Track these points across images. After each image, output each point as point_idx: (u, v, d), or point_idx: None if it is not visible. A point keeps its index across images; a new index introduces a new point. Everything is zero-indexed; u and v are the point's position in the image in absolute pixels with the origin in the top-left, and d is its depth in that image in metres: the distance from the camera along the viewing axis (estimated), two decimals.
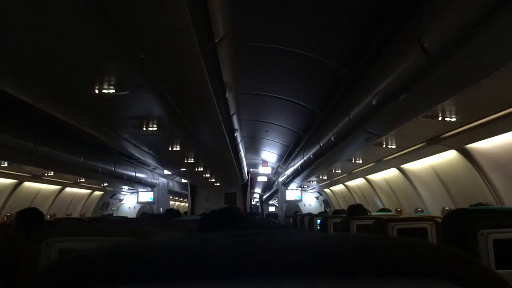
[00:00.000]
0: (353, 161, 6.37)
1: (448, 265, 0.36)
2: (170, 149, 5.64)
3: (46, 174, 7.58)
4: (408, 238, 0.40)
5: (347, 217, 3.96)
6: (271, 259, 0.35)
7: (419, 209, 6.15)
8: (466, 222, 1.71)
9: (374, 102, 3.22)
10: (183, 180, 13.61)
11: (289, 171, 10.02)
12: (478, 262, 0.37)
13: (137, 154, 6.47)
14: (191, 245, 0.36)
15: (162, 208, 12.30)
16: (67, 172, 7.38)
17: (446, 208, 5.10)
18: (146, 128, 4.22)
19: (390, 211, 5.77)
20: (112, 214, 11.89)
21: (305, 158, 7.05)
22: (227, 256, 0.34)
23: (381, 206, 7.78)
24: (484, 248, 1.60)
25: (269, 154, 11.47)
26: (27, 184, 7.78)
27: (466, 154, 4.31)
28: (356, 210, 4.16)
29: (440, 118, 3.28)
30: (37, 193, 8.39)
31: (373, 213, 5.85)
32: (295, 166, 8.47)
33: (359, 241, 0.38)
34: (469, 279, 0.35)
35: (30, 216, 3.10)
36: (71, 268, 0.36)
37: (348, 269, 0.35)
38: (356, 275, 0.35)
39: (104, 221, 5.38)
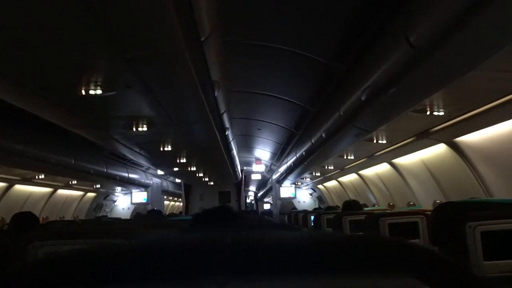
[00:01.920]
0: (345, 157, 6.40)
1: (417, 262, 0.36)
2: (161, 149, 5.61)
3: (36, 177, 7.51)
4: (379, 236, 0.40)
5: (340, 212, 3.98)
6: (245, 259, 0.35)
7: (411, 203, 6.20)
8: (454, 215, 1.73)
9: (363, 98, 3.23)
10: (177, 180, 13.58)
11: (282, 169, 10.04)
12: (450, 260, 0.37)
13: (129, 154, 6.44)
14: (175, 245, 0.36)
15: (157, 208, 12.26)
16: (58, 174, 7.31)
17: (437, 201, 5.15)
18: (136, 128, 4.19)
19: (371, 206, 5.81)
20: (106, 216, 11.82)
21: (297, 155, 7.07)
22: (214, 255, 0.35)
23: (374, 201, 7.84)
24: (472, 240, 1.62)
25: (262, 152, 11.48)
26: (17, 187, 7.70)
27: (455, 147, 4.35)
28: (351, 205, 4.19)
29: (428, 113, 3.30)
30: (28, 196, 8.31)
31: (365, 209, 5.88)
32: (288, 163, 8.49)
33: (331, 240, 0.38)
34: (439, 277, 0.36)
35: (24, 220, 3.08)
36: (48, 268, 0.36)
37: (320, 267, 0.35)
38: (329, 272, 0.35)
39: (97, 222, 5.35)
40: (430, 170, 5.26)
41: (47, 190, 9.05)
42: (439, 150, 4.70)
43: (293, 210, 9.58)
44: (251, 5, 3.54)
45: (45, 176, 7.47)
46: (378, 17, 3.00)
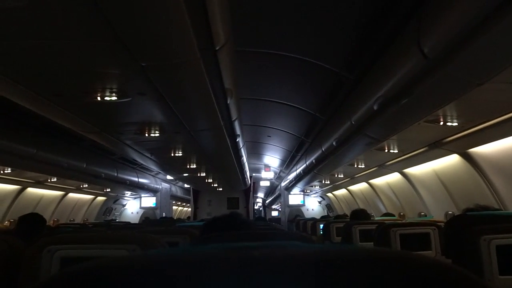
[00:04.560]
0: (356, 166, 6.36)
1: (440, 279, 0.36)
2: (172, 154, 5.65)
3: (49, 180, 7.62)
4: (397, 251, 0.40)
5: (349, 222, 3.95)
6: (266, 274, 0.35)
7: (422, 213, 6.12)
8: (468, 228, 1.70)
9: (375, 107, 3.22)
10: (185, 185, 13.62)
11: (291, 176, 10.00)
12: (469, 276, 0.37)
13: (139, 159, 6.49)
14: (191, 263, 0.37)
15: (165, 213, 12.31)
16: (70, 177, 7.40)
17: (449, 212, 5.08)
18: (148, 134, 4.24)
19: (393, 215, 5.75)
20: (115, 219, 11.90)
21: (307, 163, 7.04)
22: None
23: (384, 211, 7.75)
24: (487, 254, 1.59)
25: (272, 159, 11.46)
26: (30, 190, 7.82)
27: (469, 158, 4.30)
28: (359, 214, 4.16)
29: (441, 123, 3.27)
30: (40, 199, 8.43)
31: (376, 218, 5.83)
32: (298, 171, 8.46)
33: (350, 254, 0.38)
34: None
35: (31, 221, 3.11)
36: (71, 282, 0.37)
37: (340, 281, 0.35)
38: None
39: (107, 226, 5.39)
40: (442, 180, 5.20)
41: (59, 193, 9.17)
42: (452, 160, 4.64)
43: (300, 219, 9.50)
44: (263, 14, 3.57)
45: (57, 179, 7.58)
46: (391, 26, 2.99)
